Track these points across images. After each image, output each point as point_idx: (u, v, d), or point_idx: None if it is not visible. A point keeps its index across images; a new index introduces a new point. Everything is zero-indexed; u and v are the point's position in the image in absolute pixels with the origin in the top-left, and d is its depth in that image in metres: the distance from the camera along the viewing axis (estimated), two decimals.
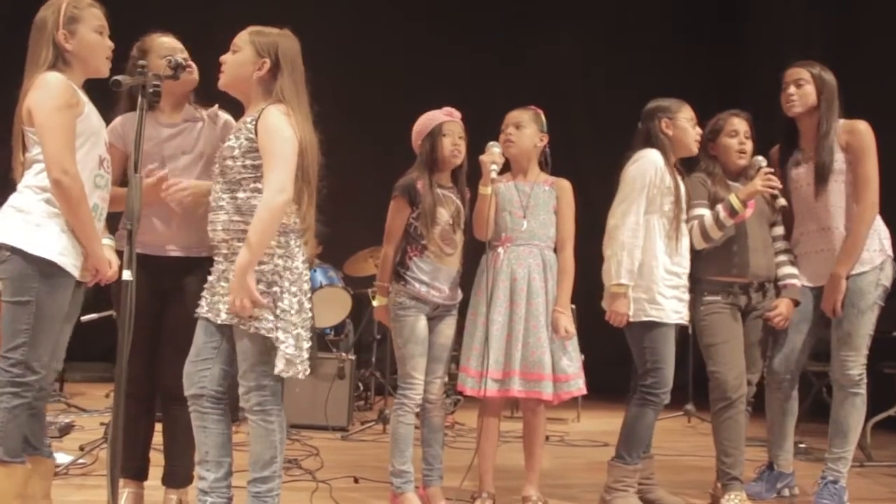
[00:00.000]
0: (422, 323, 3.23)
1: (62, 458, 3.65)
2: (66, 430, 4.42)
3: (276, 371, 2.52)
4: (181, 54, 2.83)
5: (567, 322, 3.26)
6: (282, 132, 2.50)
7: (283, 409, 2.62)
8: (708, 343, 3.44)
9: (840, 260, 3.43)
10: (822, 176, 3.46)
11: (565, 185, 3.41)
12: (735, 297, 3.47)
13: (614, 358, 4.84)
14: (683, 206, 3.37)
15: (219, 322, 2.56)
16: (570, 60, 8.26)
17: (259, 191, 2.52)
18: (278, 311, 2.51)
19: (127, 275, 2.24)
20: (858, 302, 3.41)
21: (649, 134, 3.40)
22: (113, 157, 2.79)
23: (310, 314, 2.61)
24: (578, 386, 3.30)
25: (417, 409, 3.25)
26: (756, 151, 3.56)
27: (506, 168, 3.34)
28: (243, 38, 2.63)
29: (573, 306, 6.00)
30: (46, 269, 2.48)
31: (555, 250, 3.37)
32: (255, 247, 2.46)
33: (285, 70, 2.59)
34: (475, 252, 3.39)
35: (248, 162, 2.55)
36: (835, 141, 3.45)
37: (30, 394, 2.50)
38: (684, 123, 3.40)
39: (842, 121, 3.49)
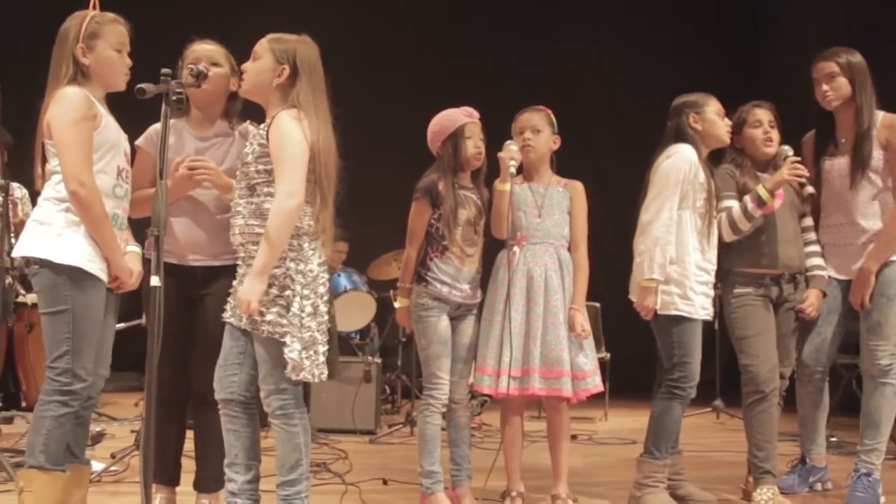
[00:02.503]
0: (444, 323, 3.24)
1: (94, 465, 3.69)
2: (97, 438, 4.46)
3: (286, 374, 2.53)
4: (205, 62, 2.84)
5: (583, 320, 3.26)
6: (291, 137, 2.53)
7: (305, 411, 2.64)
8: (740, 336, 3.42)
9: (871, 254, 3.40)
10: (860, 167, 3.42)
11: (578, 186, 3.40)
12: (766, 288, 3.45)
13: (640, 356, 4.83)
14: (714, 202, 3.36)
15: (242, 326, 2.59)
16: (587, 59, 8.23)
17: (271, 195, 2.55)
18: (289, 315, 2.52)
19: (155, 281, 2.27)
20: (887, 290, 3.37)
21: (678, 130, 3.39)
22: (149, 164, 2.83)
23: (326, 317, 2.62)
24: (595, 383, 3.29)
25: (444, 410, 3.25)
26: (782, 141, 3.54)
27: (519, 170, 3.34)
28: (263, 46, 2.66)
29: (597, 304, 5.99)
30: (76, 276, 2.52)
31: (569, 250, 3.36)
32: (268, 251, 2.49)
33: (303, 76, 2.61)
34: (490, 251, 3.39)
35: (260, 167, 2.58)
36: (875, 135, 3.41)
37: (77, 403, 2.54)
38: (712, 116, 3.38)
39: (881, 114, 3.45)
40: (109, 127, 2.64)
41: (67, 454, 2.57)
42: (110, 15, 2.67)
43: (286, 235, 2.52)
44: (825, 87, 3.48)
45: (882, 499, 3.38)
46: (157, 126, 2.91)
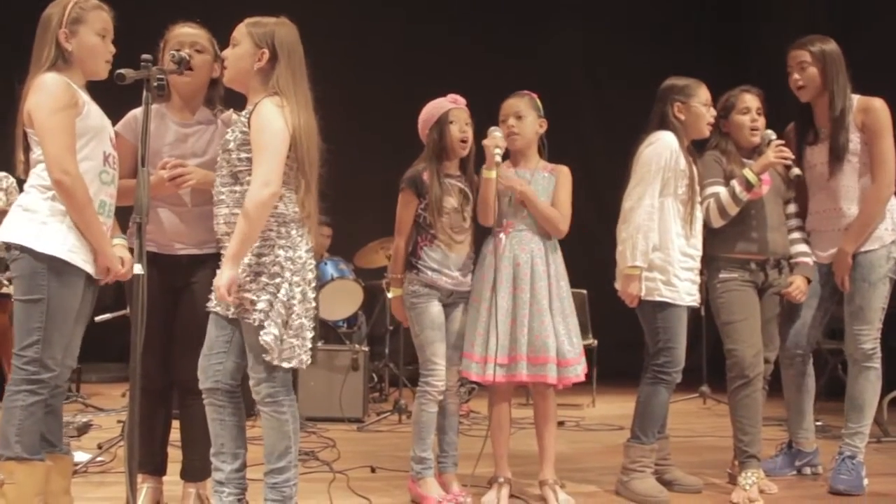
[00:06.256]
0: (437, 308, 3.25)
1: (81, 456, 3.68)
2: (84, 429, 4.45)
3: (265, 358, 2.52)
4: (188, 48, 2.80)
5: (515, 182, 3.23)
6: (271, 125, 2.50)
7: (294, 399, 2.63)
8: (726, 321, 3.43)
9: (849, 236, 3.42)
10: (837, 156, 3.43)
11: (564, 170, 3.38)
12: (752, 274, 3.46)
13: (628, 342, 4.85)
14: (697, 188, 3.36)
15: (229, 315, 2.58)
16: (574, 45, 8.22)
17: None
18: (275, 302, 2.51)
19: (138, 268, 2.26)
20: (869, 276, 3.40)
21: (662, 116, 3.39)
22: (127, 151, 2.80)
23: (313, 304, 2.62)
24: (577, 372, 3.25)
25: (440, 397, 3.25)
26: (768, 126, 3.54)
27: (505, 156, 3.32)
28: (241, 31, 2.63)
29: (584, 291, 5.98)
30: (56, 267, 2.50)
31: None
32: (242, 239, 2.48)
33: (282, 59, 2.58)
34: (477, 239, 3.38)
35: (242, 155, 2.56)
36: (850, 121, 3.43)
37: (45, 391, 2.51)
38: (698, 108, 3.38)
39: (856, 98, 3.46)
40: (92, 113, 2.61)
41: (44, 443, 2.56)
42: (94, 1, 2.63)
43: (260, 224, 2.50)
44: (796, 75, 3.51)
45: (865, 481, 3.40)
46: (136, 112, 2.89)
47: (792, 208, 3.63)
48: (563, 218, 3.29)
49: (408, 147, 3.41)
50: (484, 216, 3.29)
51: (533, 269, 3.25)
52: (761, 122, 3.53)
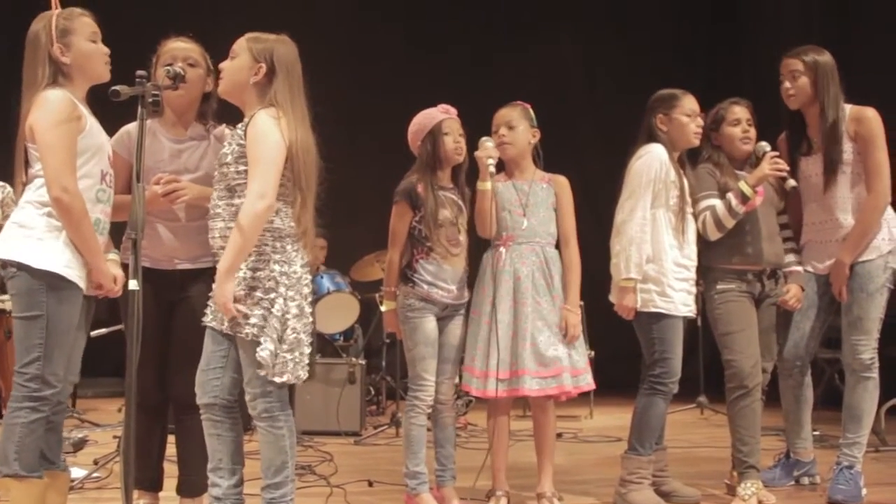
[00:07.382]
0: (431, 324, 3.23)
1: (77, 472, 3.66)
2: (79, 445, 4.43)
3: (260, 374, 2.51)
4: (181, 62, 2.81)
5: (576, 321, 3.25)
6: (267, 136, 2.50)
7: (290, 414, 2.63)
8: (724, 331, 3.43)
9: (846, 246, 3.42)
10: (831, 168, 3.44)
11: (563, 181, 3.39)
12: (749, 284, 3.46)
13: (625, 353, 4.84)
14: (688, 199, 3.37)
15: (223, 331, 2.57)
16: (571, 56, 8.24)
17: None
18: (269, 317, 2.50)
19: (133, 284, 2.25)
20: (867, 285, 3.40)
21: (650, 128, 3.40)
22: (120, 166, 2.80)
23: (310, 318, 2.62)
24: (587, 381, 3.29)
25: (429, 411, 3.24)
26: (760, 137, 3.55)
27: (500, 167, 3.33)
28: (241, 45, 2.64)
29: (581, 302, 5.98)
30: (54, 283, 2.49)
31: (556, 247, 3.36)
32: (235, 251, 2.47)
33: (280, 74, 2.59)
34: (476, 252, 3.38)
35: (240, 168, 2.56)
36: (843, 131, 3.43)
37: (47, 408, 2.51)
38: (680, 118, 3.38)
39: (849, 107, 3.47)
40: (93, 130, 2.61)
41: (42, 460, 2.54)
42: (76, 10, 2.64)
43: (255, 236, 2.50)
44: (787, 84, 3.52)
45: (863, 491, 3.40)
46: (129, 127, 2.89)
47: (783, 219, 3.64)
48: (574, 254, 3.33)
49: (403, 158, 3.41)
50: (482, 228, 3.28)
51: (534, 282, 3.25)
52: (752, 133, 3.55)
